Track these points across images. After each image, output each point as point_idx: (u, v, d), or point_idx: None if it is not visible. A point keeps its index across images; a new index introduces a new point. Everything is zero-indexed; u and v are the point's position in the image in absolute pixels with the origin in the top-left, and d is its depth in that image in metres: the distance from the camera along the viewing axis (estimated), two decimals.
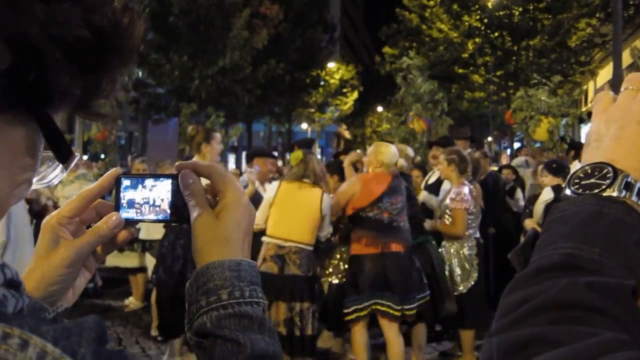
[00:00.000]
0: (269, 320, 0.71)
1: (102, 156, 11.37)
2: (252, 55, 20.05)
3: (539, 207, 4.90)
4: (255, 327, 0.67)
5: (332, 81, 31.16)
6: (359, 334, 4.33)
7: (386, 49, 24.02)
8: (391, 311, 4.23)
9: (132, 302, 6.73)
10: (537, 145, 8.50)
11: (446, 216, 4.87)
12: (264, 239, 4.25)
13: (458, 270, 4.84)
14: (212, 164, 0.78)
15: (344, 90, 32.52)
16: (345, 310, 4.28)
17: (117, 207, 0.76)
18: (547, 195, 4.95)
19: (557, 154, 7.47)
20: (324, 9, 27.62)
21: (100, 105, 0.52)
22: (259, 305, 0.70)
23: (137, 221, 0.76)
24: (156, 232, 5.69)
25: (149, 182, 0.76)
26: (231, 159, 30.44)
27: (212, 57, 19.38)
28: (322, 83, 30.20)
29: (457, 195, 4.78)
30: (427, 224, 5.03)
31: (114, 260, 6.68)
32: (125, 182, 0.76)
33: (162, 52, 19.49)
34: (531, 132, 7.79)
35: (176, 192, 0.74)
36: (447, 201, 4.89)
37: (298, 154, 4.35)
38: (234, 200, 0.73)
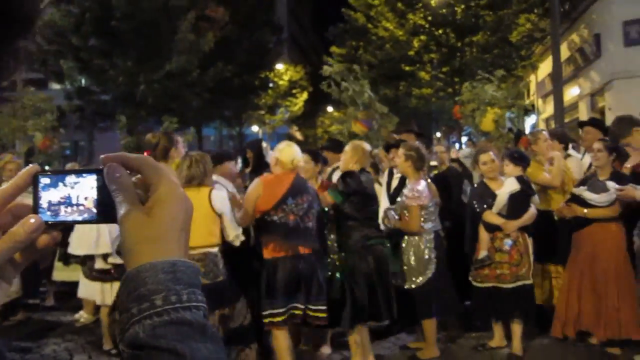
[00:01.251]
0: (211, 325, 0.63)
1: (46, 167, 10.97)
2: (199, 59, 19.75)
3: (502, 197, 4.91)
4: (196, 334, 0.60)
5: (281, 82, 31.08)
6: (281, 338, 4.26)
7: (334, 49, 24.10)
8: (297, 312, 4.21)
9: (82, 316, 6.51)
10: (484, 138, 8.68)
11: (405, 212, 4.95)
12: None
13: (414, 264, 4.90)
14: (142, 155, 0.69)
15: (294, 91, 32.48)
16: (263, 313, 4.22)
17: (36, 208, 0.68)
18: (512, 185, 4.92)
19: (505, 144, 7.63)
20: (271, 10, 27.51)
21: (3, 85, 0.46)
22: (199, 310, 0.62)
23: (60, 223, 0.68)
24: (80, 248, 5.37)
25: (70, 178, 0.68)
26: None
27: (158, 61, 18.98)
28: (271, 85, 30.09)
29: (411, 192, 4.85)
30: (388, 221, 5.07)
31: (61, 274, 6.47)
32: (44, 181, 0.68)
33: (106, 57, 18.96)
34: (477, 122, 7.97)
35: (102, 188, 0.67)
36: (403, 198, 4.96)
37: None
38: (167, 193, 0.66)
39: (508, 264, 4.85)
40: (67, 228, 6.06)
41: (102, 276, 5.27)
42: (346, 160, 4.93)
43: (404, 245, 5.02)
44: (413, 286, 4.94)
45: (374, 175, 5.92)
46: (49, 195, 0.68)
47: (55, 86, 22.54)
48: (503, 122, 7.68)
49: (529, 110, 9.11)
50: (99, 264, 5.25)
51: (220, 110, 26.19)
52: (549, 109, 21.01)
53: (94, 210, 0.68)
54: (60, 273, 6.46)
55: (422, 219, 4.93)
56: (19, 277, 5.86)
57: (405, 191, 4.94)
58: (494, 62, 20.66)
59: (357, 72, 9.00)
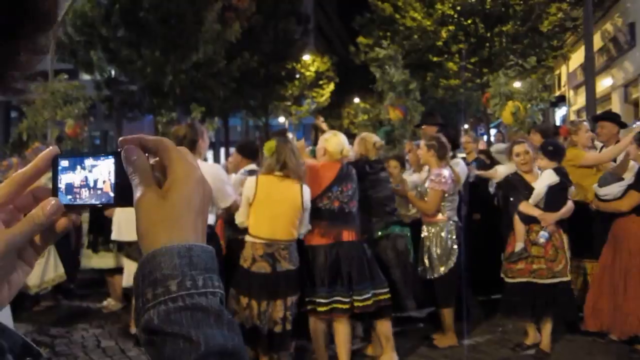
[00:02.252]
0: (227, 312, 0.61)
1: None
2: (225, 49, 19.84)
3: (540, 189, 4.79)
4: (211, 320, 0.58)
5: (307, 73, 31.02)
6: (318, 322, 4.32)
7: (360, 39, 23.97)
8: (340, 305, 4.22)
9: (110, 303, 6.62)
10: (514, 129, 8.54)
11: (425, 198, 4.96)
12: (247, 238, 4.15)
13: (437, 254, 4.90)
14: (160, 137, 0.67)
15: (320, 82, 32.41)
16: (306, 299, 4.26)
17: (55, 191, 0.68)
18: (550, 177, 4.76)
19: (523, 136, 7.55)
20: (297, 0, 27.45)
21: (19, 78, 0.45)
22: (215, 296, 0.60)
23: (79, 206, 0.68)
24: (128, 234, 5.40)
25: (89, 161, 0.67)
26: (208, 154, 30.17)
27: (185, 51, 19.11)
28: (297, 75, 30.07)
29: (437, 177, 4.86)
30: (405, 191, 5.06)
31: (89, 261, 6.58)
32: (63, 163, 0.68)
33: (134, 48, 19.16)
34: (498, 116, 7.91)
35: (120, 172, 0.66)
36: (427, 183, 4.95)
37: (271, 143, 4.20)
38: (184, 175, 0.64)
39: (544, 259, 4.72)
40: (103, 215, 6.17)
41: None
42: (354, 151, 4.93)
43: (424, 235, 5.03)
44: (436, 275, 4.94)
45: (400, 168, 5.88)
46: (67, 178, 0.68)
47: (85, 77, 22.89)
48: (521, 114, 7.54)
49: (556, 102, 8.93)
50: None
51: (246, 101, 26.30)
52: (580, 100, 20.57)
53: (111, 194, 0.67)
54: (89, 260, 6.56)
55: (443, 207, 4.93)
56: (56, 262, 5.98)
57: (431, 176, 4.95)
58: (524, 52, 20.32)
59: (399, 58, 8.89)
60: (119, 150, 0.66)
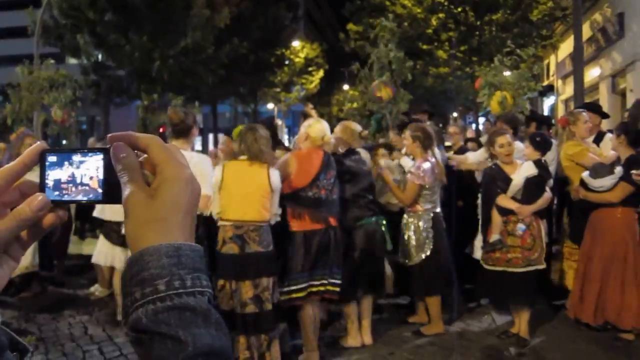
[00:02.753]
0: (215, 312, 0.61)
1: (64, 142, 11.01)
2: (214, 35, 19.66)
3: (518, 181, 4.85)
4: (199, 320, 0.58)
5: (297, 60, 30.88)
6: (308, 308, 4.42)
7: (350, 26, 23.85)
8: (316, 289, 4.37)
9: (97, 289, 6.58)
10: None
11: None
12: (219, 223, 4.20)
13: (413, 242, 4.99)
14: (150, 135, 0.67)
15: (310, 68, 32.28)
16: (290, 288, 4.34)
17: (42, 187, 0.67)
18: (529, 170, 4.84)
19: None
20: None
21: None
22: (203, 295, 0.60)
23: (66, 202, 0.67)
24: (111, 214, 5.41)
25: (76, 157, 0.67)
26: (196, 141, 30.01)
27: (173, 37, 18.92)
28: (286, 62, 29.91)
29: (417, 170, 4.90)
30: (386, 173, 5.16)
31: (76, 248, 6.54)
32: (51, 159, 0.67)
33: (122, 32, 18.93)
34: (486, 105, 7.91)
35: (108, 168, 0.66)
36: (408, 174, 5.02)
37: (238, 129, 4.32)
38: (173, 174, 0.64)
39: (520, 248, 4.80)
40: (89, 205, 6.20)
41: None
42: (336, 140, 4.94)
43: (403, 223, 5.15)
44: (411, 263, 5.05)
45: (388, 155, 5.89)
46: (55, 174, 0.67)
47: (72, 61, 22.60)
48: (507, 103, 7.56)
49: (542, 92, 8.92)
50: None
51: (235, 87, 26.13)
52: (568, 90, 20.67)
53: (99, 191, 0.67)
54: (76, 247, 6.54)
55: (422, 198, 5.01)
56: (34, 251, 5.93)
57: (412, 167, 5.00)
58: (514, 41, 20.33)
59: (397, 34, 8.77)
60: (107, 146, 0.66)
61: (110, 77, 21.61)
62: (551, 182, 5.06)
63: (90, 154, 0.67)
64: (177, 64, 19.20)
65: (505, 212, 4.88)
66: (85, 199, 0.67)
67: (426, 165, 4.93)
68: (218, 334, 0.60)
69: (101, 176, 0.66)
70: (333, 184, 4.42)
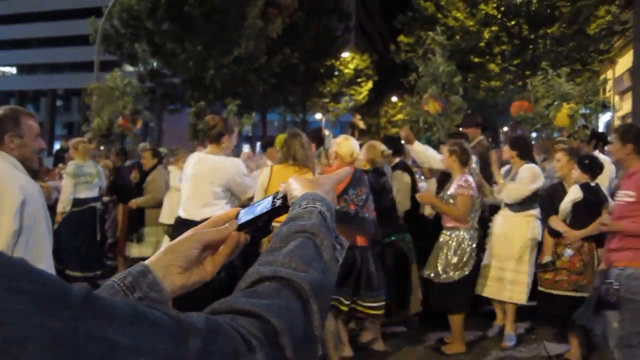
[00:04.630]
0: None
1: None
2: (267, 45, 20.03)
3: (565, 205, 4.70)
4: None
5: (346, 71, 31.03)
6: (328, 322, 4.30)
7: (401, 38, 23.84)
8: (340, 306, 4.24)
9: None
10: (556, 134, 8.31)
11: (451, 200, 4.88)
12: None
13: (454, 260, 4.84)
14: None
15: (359, 79, 32.37)
16: None
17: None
18: (575, 194, 4.65)
19: (579, 141, 7.29)
20: None
21: None
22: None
23: (246, 223, 0.86)
24: (172, 219, 5.72)
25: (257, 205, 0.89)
26: (245, 148, 30.45)
27: (227, 46, 19.38)
28: (336, 72, 30.10)
29: (465, 182, 4.79)
30: (426, 198, 5.08)
31: (135, 251, 6.79)
32: (242, 211, 0.89)
33: (178, 41, 19.53)
34: (552, 117, 7.53)
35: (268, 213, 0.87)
36: (451, 189, 4.88)
37: (282, 137, 4.32)
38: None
39: (567, 271, 4.63)
40: (139, 210, 6.58)
41: None
42: (362, 157, 4.95)
43: (443, 239, 4.95)
44: (449, 281, 4.86)
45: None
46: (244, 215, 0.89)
47: (129, 68, 23.44)
48: (578, 117, 7.29)
49: (606, 106, 8.56)
50: None
51: (285, 96, 26.49)
52: (626, 106, 20.02)
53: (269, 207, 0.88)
54: (134, 250, 6.80)
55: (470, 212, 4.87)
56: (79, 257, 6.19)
57: (458, 181, 4.89)
58: (569, 55, 19.86)
59: (447, 48, 8.66)
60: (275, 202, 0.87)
61: (165, 84, 22.27)
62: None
63: (263, 201, 0.89)
64: (230, 73, 19.65)
65: (555, 233, 4.74)
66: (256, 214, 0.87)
67: (469, 177, 4.86)
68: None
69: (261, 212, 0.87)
70: (365, 201, 4.32)
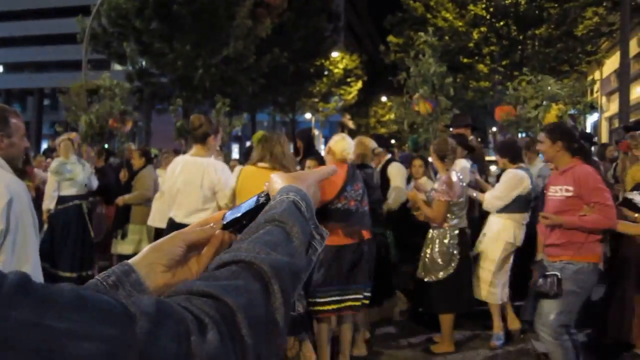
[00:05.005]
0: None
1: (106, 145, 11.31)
2: (255, 45, 19.98)
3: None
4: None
5: (336, 71, 31.06)
6: (324, 329, 4.34)
7: (390, 38, 23.88)
8: (357, 303, 4.32)
9: None
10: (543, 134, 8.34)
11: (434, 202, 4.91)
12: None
13: (438, 258, 4.87)
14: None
15: (348, 79, 32.42)
16: (320, 300, 4.25)
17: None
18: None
19: None
20: None
21: None
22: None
23: (235, 220, 0.86)
24: (164, 222, 5.70)
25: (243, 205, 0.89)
26: (235, 148, 30.39)
27: (216, 46, 19.30)
28: (326, 72, 30.12)
29: (441, 186, 4.79)
30: (415, 198, 5.11)
31: (118, 248, 6.76)
32: (227, 213, 0.89)
33: (166, 41, 19.42)
34: (540, 118, 7.55)
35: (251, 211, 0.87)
36: (432, 192, 4.91)
37: (258, 134, 4.24)
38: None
39: None
40: (126, 207, 6.57)
41: None
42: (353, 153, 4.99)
43: (429, 237, 5.02)
44: (434, 279, 4.92)
45: (424, 168, 5.89)
46: (229, 216, 0.89)
47: (117, 67, 23.27)
48: (566, 118, 7.32)
49: (594, 107, 8.57)
50: None
51: (274, 96, 26.45)
52: (613, 107, 20.19)
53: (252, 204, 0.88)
54: (117, 246, 6.79)
55: (449, 215, 4.87)
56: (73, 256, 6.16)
57: (436, 185, 4.92)
58: (557, 56, 19.99)
59: (438, 49, 8.64)
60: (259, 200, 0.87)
61: (153, 83, 22.14)
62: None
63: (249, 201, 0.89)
64: (218, 73, 19.58)
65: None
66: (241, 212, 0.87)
67: (451, 176, 4.87)
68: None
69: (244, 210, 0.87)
70: (362, 195, 4.37)
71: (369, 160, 5.23)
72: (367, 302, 4.43)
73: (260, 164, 4.02)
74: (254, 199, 0.87)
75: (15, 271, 0.50)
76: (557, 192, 3.89)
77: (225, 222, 0.85)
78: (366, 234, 4.40)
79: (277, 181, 0.86)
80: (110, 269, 0.76)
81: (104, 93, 10.29)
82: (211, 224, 0.85)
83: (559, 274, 3.76)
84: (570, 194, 3.80)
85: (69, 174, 6.21)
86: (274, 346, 0.62)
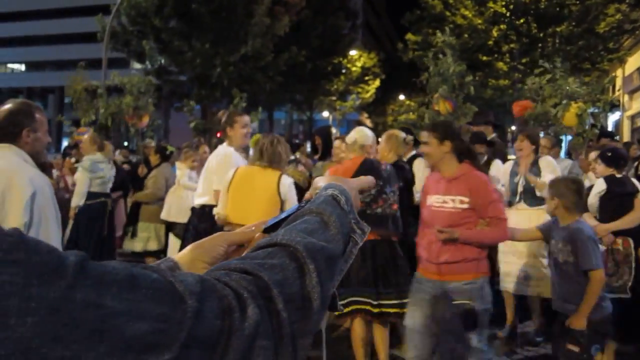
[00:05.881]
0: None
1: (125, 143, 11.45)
2: (273, 43, 20.01)
3: (592, 199, 4.50)
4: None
5: (353, 69, 30.99)
6: (357, 327, 4.11)
7: (409, 36, 23.76)
8: (369, 307, 4.01)
9: None
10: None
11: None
12: (225, 227, 4.05)
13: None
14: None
15: (366, 78, 32.32)
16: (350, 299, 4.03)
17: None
18: (600, 186, 4.51)
19: (587, 141, 7.21)
20: None
21: None
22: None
23: (276, 224, 0.85)
24: (179, 215, 6.00)
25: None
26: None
27: (234, 44, 19.37)
28: (343, 71, 30.06)
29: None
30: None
31: (128, 245, 6.86)
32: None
33: (185, 39, 19.54)
34: (560, 117, 7.41)
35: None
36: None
37: (255, 138, 4.28)
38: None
39: None
40: (138, 205, 6.69)
41: None
42: (381, 149, 4.78)
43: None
44: None
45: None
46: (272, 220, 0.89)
47: (137, 65, 23.46)
48: (587, 117, 7.19)
49: (615, 105, 8.38)
50: None
51: (291, 95, 26.48)
52: (635, 105, 19.89)
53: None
54: (127, 243, 6.90)
55: None
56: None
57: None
58: (578, 54, 19.74)
59: (457, 48, 8.56)
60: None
61: (172, 81, 22.29)
62: None
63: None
64: (236, 71, 19.65)
65: None
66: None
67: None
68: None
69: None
70: (375, 197, 4.02)
71: (401, 152, 4.94)
72: (374, 310, 4.06)
73: (258, 163, 4.04)
74: (296, 205, 0.88)
75: (74, 251, 0.52)
76: (448, 202, 3.37)
77: (266, 226, 0.87)
78: (371, 235, 3.98)
79: (320, 183, 0.89)
80: (156, 262, 0.79)
81: (130, 89, 10.39)
82: (252, 228, 0.88)
83: (467, 301, 3.29)
84: (466, 205, 3.32)
85: (101, 172, 6.29)
86: (310, 324, 0.63)
